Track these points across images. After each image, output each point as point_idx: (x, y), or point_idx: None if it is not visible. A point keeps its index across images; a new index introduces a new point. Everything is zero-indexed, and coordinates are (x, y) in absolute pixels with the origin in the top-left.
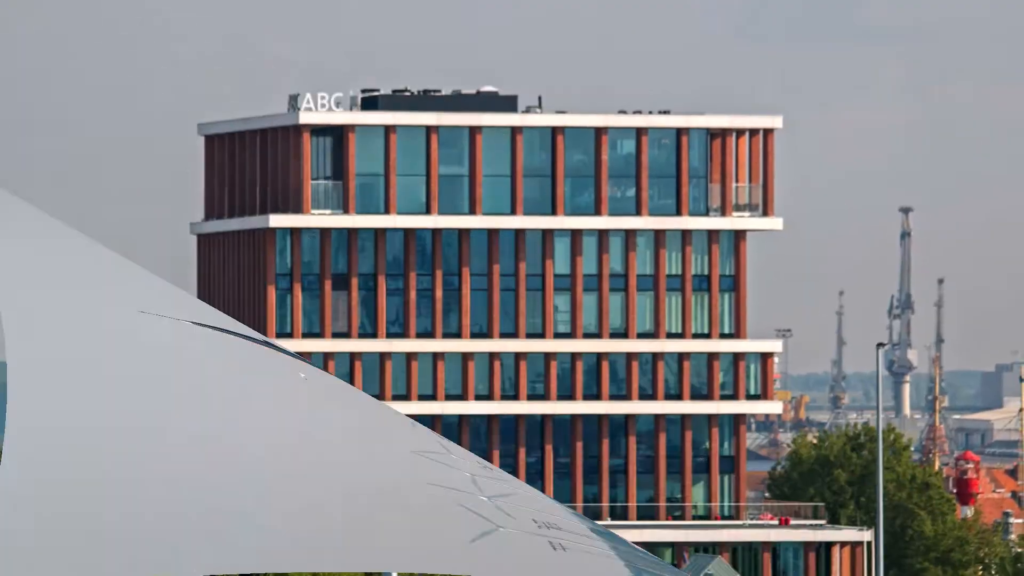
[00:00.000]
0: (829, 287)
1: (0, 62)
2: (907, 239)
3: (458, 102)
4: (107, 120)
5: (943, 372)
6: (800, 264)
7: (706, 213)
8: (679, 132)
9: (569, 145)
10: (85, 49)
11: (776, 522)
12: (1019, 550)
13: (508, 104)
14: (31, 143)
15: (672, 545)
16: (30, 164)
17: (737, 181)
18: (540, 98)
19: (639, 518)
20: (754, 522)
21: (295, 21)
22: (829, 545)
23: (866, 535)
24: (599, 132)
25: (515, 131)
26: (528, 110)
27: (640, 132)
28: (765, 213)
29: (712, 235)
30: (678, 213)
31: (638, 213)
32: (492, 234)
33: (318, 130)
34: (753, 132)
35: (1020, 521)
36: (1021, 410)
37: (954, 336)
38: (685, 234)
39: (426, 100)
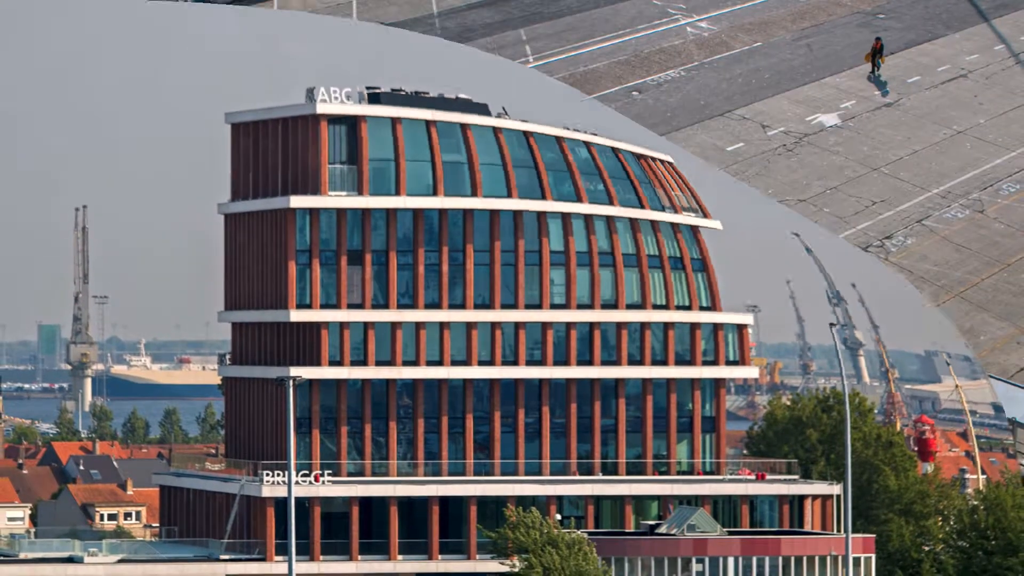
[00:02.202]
0: (777, 276)
1: (58, 64)
2: (812, 253)
3: (444, 104)
4: (144, 112)
5: (887, 350)
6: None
7: (662, 209)
8: (615, 151)
9: (541, 146)
10: (124, 50)
11: (753, 477)
12: (975, 503)
13: (482, 110)
14: (77, 134)
15: (658, 498)
16: (76, 154)
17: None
18: (504, 108)
19: (628, 473)
20: (733, 477)
21: (309, 26)
22: (802, 498)
23: (835, 489)
24: (559, 139)
25: (496, 130)
26: (499, 116)
27: (589, 145)
28: (704, 215)
29: (675, 225)
30: (641, 206)
31: (610, 203)
32: (493, 215)
33: (334, 119)
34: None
35: (974, 477)
36: (956, 386)
37: (888, 323)
38: (653, 223)
39: (418, 99)
